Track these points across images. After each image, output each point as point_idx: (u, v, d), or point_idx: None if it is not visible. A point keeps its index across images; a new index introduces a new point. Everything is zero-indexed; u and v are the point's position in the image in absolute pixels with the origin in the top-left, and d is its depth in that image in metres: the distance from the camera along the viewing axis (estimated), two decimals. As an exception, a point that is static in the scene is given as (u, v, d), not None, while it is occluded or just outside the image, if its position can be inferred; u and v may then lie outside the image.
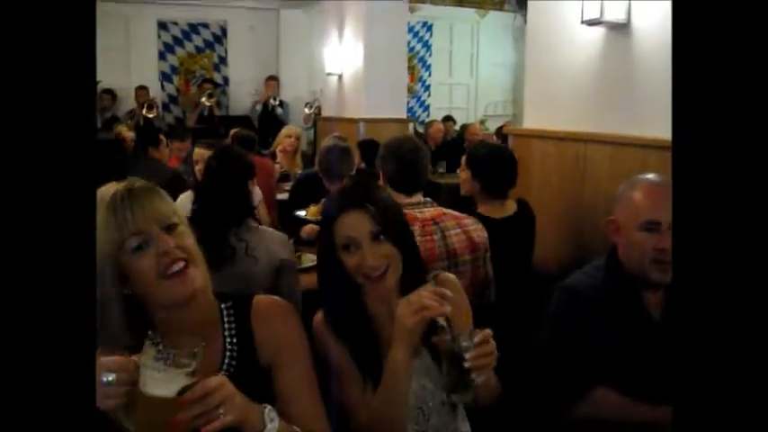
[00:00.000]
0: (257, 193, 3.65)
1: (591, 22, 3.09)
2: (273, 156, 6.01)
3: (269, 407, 1.31)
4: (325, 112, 7.68)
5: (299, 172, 5.50)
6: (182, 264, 1.37)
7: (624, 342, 1.89)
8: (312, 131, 8.72)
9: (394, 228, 1.67)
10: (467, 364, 1.46)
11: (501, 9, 11.28)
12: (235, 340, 1.49)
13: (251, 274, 2.51)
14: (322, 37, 7.56)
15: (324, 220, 1.72)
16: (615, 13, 3.00)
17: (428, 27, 11.19)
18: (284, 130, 6.25)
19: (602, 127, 3.17)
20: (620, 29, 3.03)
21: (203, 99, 9.11)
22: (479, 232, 2.66)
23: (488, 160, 3.02)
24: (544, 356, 1.98)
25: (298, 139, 6.07)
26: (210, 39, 10.20)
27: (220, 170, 2.71)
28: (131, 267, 1.35)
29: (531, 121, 3.78)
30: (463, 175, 3.15)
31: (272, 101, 9.21)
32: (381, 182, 2.87)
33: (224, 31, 10.20)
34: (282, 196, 4.94)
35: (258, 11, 10.11)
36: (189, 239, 1.42)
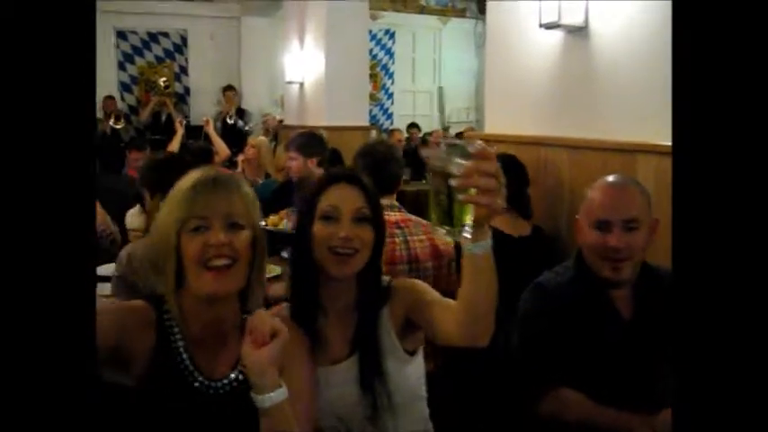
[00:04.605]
0: None
1: (549, 26, 3.08)
2: (235, 165, 5.94)
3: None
4: (287, 121, 7.61)
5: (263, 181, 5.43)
6: (225, 261, 1.39)
7: (592, 341, 1.88)
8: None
9: (376, 216, 1.66)
10: (454, 182, 1.21)
11: (462, 16, 11.36)
12: None
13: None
14: (283, 45, 7.50)
15: (312, 191, 1.69)
16: (573, 17, 2.99)
17: (390, 34, 11.21)
18: (250, 141, 6.18)
19: (562, 131, 3.16)
20: (578, 32, 3.03)
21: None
22: (444, 239, 2.64)
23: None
24: (515, 354, 1.98)
25: (260, 148, 6.00)
26: (171, 48, 10.08)
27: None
28: (184, 246, 1.39)
29: (491, 126, 3.76)
30: None
31: (228, 119, 8.85)
32: None
33: (184, 40, 10.08)
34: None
35: (219, 19, 10.02)
36: (246, 244, 1.43)
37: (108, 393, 1.38)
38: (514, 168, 2.97)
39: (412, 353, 1.72)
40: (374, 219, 1.65)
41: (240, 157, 5.91)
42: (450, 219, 1.26)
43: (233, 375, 1.46)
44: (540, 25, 3.12)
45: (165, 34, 9.99)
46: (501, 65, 3.66)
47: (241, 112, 9.05)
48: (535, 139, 3.32)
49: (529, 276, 2.10)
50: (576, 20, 2.99)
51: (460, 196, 1.22)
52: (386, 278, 1.76)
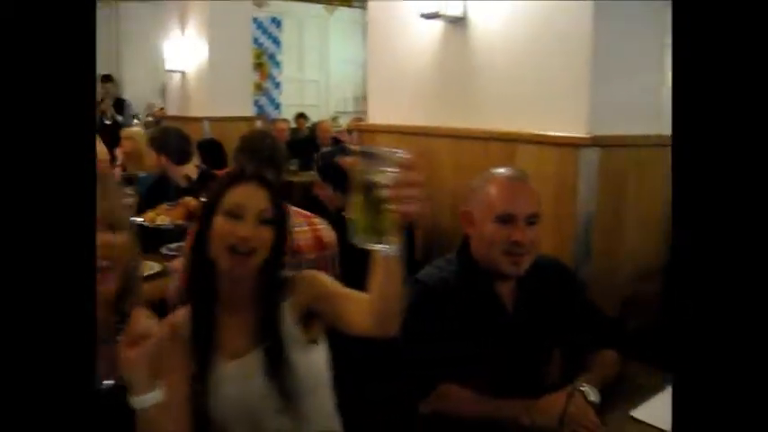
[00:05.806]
0: None
1: (429, 16, 3.09)
2: (115, 159, 5.67)
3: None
4: (170, 111, 7.36)
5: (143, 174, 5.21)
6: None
7: (477, 335, 1.88)
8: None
9: (280, 217, 1.69)
10: (386, 193, 1.20)
11: (349, 5, 11.33)
12: None
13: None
14: (164, 32, 7.24)
15: (217, 186, 1.71)
16: (452, 8, 3.02)
17: (277, 23, 11.06)
18: (124, 133, 5.92)
19: (444, 120, 3.19)
20: (458, 23, 3.05)
21: None
22: (328, 232, 2.61)
23: (341, 168, 2.96)
24: (399, 350, 1.95)
25: (135, 140, 5.75)
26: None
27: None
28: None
29: (375, 116, 3.75)
30: (324, 192, 3.12)
31: (106, 119, 8.14)
32: None
33: (57, 26, 9.55)
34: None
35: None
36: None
37: None
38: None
39: (314, 341, 1.75)
40: (277, 220, 1.67)
41: (118, 151, 5.64)
42: (378, 230, 1.24)
43: (110, 380, 1.42)
44: (421, 15, 3.12)
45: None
46: (383, 54, 3.65)
47: (120, 103, 8.64)
48: (418, 129, 3.33)
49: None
50: (456, 11, 3.02)
51: (391, 206, 1.20)
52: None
